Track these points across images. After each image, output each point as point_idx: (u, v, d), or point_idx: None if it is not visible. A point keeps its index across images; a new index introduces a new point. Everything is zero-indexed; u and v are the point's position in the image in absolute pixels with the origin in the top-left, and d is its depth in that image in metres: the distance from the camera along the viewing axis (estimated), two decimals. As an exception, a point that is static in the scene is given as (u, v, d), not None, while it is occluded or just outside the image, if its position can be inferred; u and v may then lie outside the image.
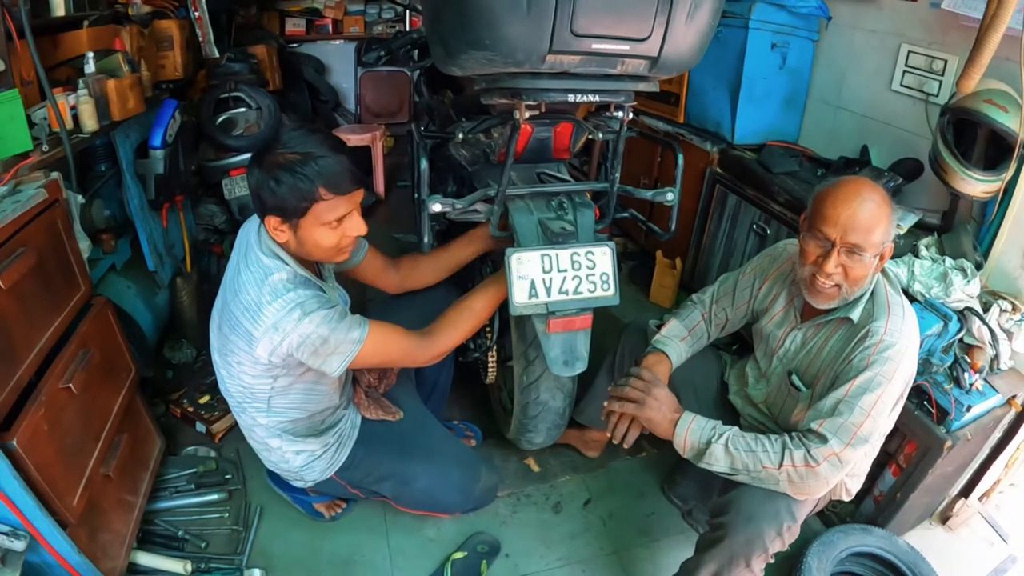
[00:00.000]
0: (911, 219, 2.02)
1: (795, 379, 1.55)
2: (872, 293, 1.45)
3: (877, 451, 1.61)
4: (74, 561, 1.41)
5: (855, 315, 1.43)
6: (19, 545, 1.30)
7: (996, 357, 1.82)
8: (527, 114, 1.39)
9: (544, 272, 1.49)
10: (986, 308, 1.84)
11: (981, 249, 1.96)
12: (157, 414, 2.12)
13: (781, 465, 1.35)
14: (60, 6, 1.83)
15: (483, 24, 1.22)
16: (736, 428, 1.43)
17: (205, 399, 2.20)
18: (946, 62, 2.08)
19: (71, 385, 1.43)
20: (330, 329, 1.35)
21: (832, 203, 1.36)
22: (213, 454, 2.07)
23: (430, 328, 1.56)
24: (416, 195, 1.57)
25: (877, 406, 1.34)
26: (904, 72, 2.22)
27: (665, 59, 1.33)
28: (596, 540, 1.93)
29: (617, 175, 1.63)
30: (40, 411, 1.32)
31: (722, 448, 1.39)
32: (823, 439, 1.34)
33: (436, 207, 1.51)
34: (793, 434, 1.39)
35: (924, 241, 1.98)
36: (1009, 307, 1.85)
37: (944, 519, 2.11)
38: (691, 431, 1.43)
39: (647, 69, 1.35)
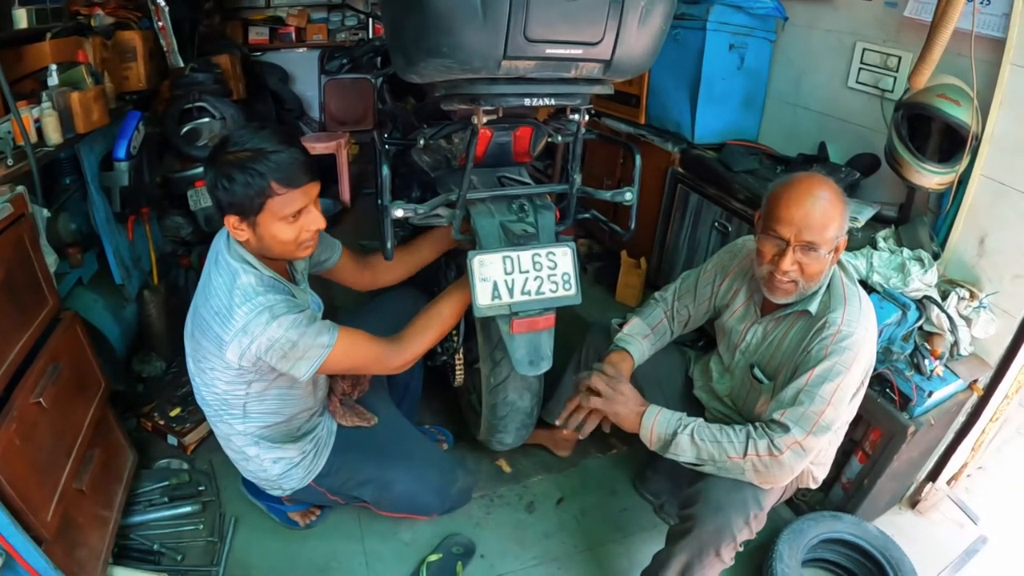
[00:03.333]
0: (868, 212, 2.11)
1: (757, 372, 1.62)
2: (829, 285, 1.52)
3: (841, 439, 1.69)
4: (52, 578, 1.42)
5: (813, 307, 1.51)
6: (-4, 563, 1.31)
7: (956, 343, 1.91)
8: (485, 119, 1.46)
9: (506, 274, 1.55)
10: (944, 296, 1.93)
11: (938, 239, 2.05)
12: (129, 428, 2.14)
13: (746, 455, 1.41)
14: (23, 18, 1.86)
15: (441, 32, 1.29)
16: (701, 420, 1.50)
17: (176, 411, 2.23)
18: (900, 59, 2.18)
19: (42, 400, 1.46)
20: (299, 334, 1.39)
21: (785, 203, 1.43)
22: (186, 466, 2.10)
23: (399, 335, 1.60)
24: (379, 201, 1.63)
25: (837, 394, 1.41)
26: (860, 69, 2.33)
27: (618, 62, 1.40)
28: (570, 538, 2.00)
29: (576, 177, 1.70)
30: (11, 427, 1.35)
31: (688, 439, 1.46)
32: (786, 428, 1.40)
33: (398, 212, 1.57)
34: (757, 424, 1.46)
35: (882, 233, 2.07)
36: (967, 295, 1.93)
37: (913, 503, 2.20)
38: (657, 423, 1.50)
39: (601, 72, 1.42)
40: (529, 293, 1.58)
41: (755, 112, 2.82)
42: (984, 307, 1.91)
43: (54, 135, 1.82)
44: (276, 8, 4.69)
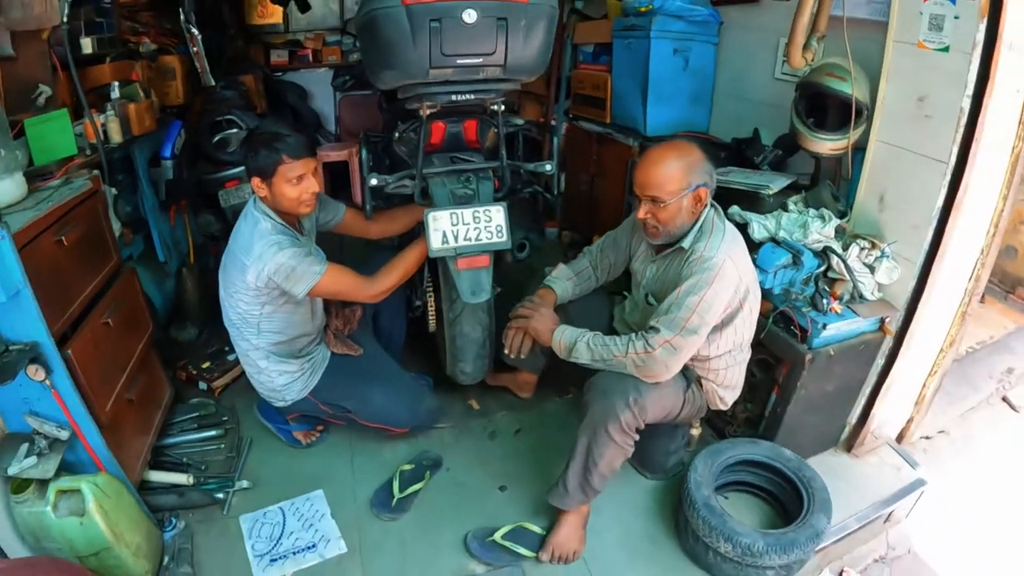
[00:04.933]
0: (782, 182, 2.61)
1: (651, 299, 2.18)
2: (701, 225, 2.03)
3: (744, 363, 2.20)
4: (104, 457, 1.97)
5: (687, 243, 2.03)
6: (64, 434, 1.83)
7: (856, 288, 2.33)
8: (428, 111, 2.17)
9: (452, 225, 2.20)
10: (846, 247, 2.37)
11: (848, 200, 2.50)
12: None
13: (627, 353, 1.96)
14: (88, 45, 2.63)
15: (387, 52, 2.02)
16: (598, 332, 2.07)
17: (206, 364, 2.92)
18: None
19: (109, 320, 2.10)
20: (298, 261, 2.05)
21: (637, 167, 2.00)
22: (213, 403, 2.77)
23: (374, 274, 2.26)
24: (361, 175, 2.32)
25: (701, 305, 1.90)
26: (783, 61, 2.82)
27: (511, 66, 2.10)
28: (523, 462, 2.55)
29: (504, 153, 2.37)
30: (87, 334, 1.97)
31: (584, 345, 2.04)
32: (657, 330, 1.94)
33: (373, 181, 2.27)
34: (638, 331, 2.02)
35: (793, 198, 2.56)
36: (868, 245, 2.35)
37: (848, 447, 2.61)
38: (564, 336, 2.10)
39: (501, 73, 2.11)
40: (470, 240, 2.22)
41: (704, 107, 3.41)
42: (886, 256, 2.30)
43: (116, 136, 2.56)
44: (295, 32, 5.45)
